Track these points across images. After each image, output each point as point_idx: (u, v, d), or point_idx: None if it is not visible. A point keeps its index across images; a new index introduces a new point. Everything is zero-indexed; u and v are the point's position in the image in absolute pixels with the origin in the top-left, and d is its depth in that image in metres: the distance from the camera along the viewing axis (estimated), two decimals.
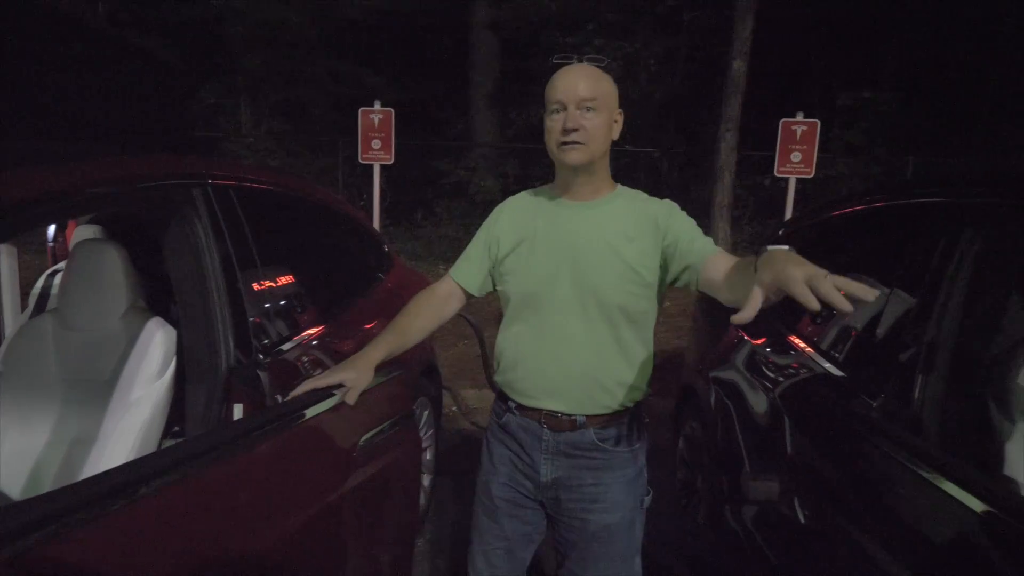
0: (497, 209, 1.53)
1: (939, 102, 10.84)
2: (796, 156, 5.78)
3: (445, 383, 4.25)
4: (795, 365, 1.94)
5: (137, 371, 1.57)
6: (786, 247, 1.06)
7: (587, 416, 1.39)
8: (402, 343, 1.45)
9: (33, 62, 1.62)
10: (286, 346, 1.75)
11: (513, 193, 1.59)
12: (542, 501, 1.47)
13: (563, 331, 1.37)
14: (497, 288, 1.49)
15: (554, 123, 1.34)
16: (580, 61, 1.38)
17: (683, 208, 1.44)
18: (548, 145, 1.37)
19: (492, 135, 10.75)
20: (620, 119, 1.39)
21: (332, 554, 1.35)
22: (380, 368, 1.42)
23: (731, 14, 6.79)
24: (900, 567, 1.19)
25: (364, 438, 1.43)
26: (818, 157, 5.98)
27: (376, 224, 6.21)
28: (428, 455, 2.86)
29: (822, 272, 0.92)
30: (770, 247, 1.06)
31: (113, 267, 1.67)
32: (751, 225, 9.18)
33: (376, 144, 5.88)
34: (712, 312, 2.87)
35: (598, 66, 1.38)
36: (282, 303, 1.85)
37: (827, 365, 1.74)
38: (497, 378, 1.50)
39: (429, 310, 1.51)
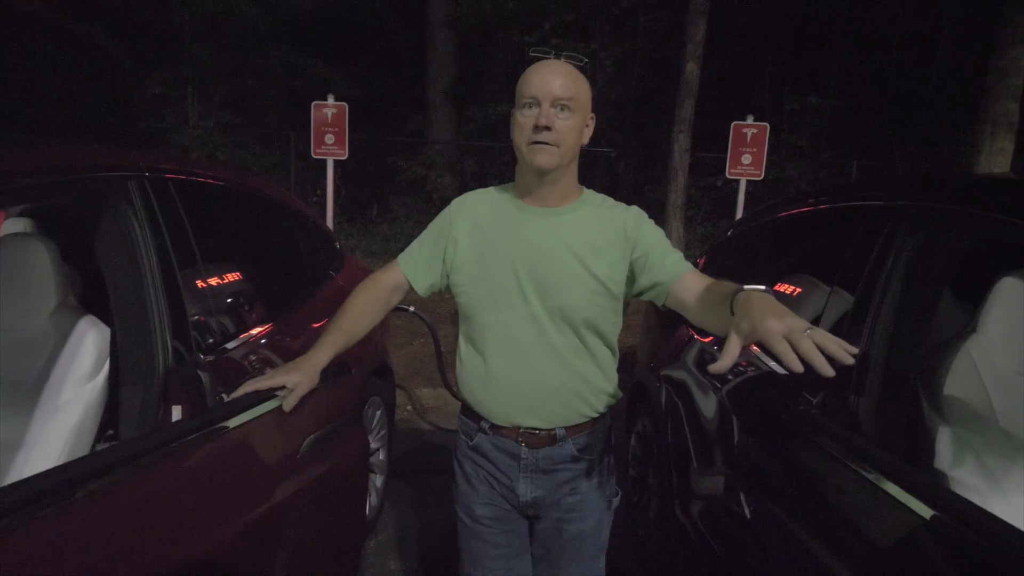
0: (455, 205, 1.43)
1: (881, 107, 11.33)
2: (747, 158, 5.93)
3: (399, 383, 4.21)
4: (743, 364, 1.99)
5: (67, 372, 1.49)
6: (763, 287, 1.07)
7: (566, 428, 1.35)
8: (348, 342, 1.40)
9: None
10: (230, 345, 1.70)
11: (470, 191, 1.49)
12: (525, 515, 1.44)
13: (533, 346, 1.30)
14: (456, 298, 1.40)
15: (526, 119, 1.25)
16: (558, 57, 1.29)
17: (638, 206, 1.39)
18: (516, 142, 1.28)
19: (449, 132, 10.68)
20: (592, 124, 1.33)
21: (274, 556, 1.32)
22: (327, 367, 1.38)
23: (684, 18, 6.92)
24: (838, 560, 1.22)
25: (307, 440, 1.40)
26: (768, 160, 6.15)
27: (330, 221, 6.09)
28: (381, 455, 2.82)
29: (801, 326, 0.90)
30: (747, 287, 1.06)
31: (40, 263, 1.58)
32: (703, 225, 9.40)
33: (330, 139, 5.76)
34: (664, 311, 2.92)
35: (575, 65, 1.29)
36: (226, 301, 1.79)
37: (772, 364, 1.79)
38: (465, 397, 1.42)
39: (373, 305, 1.43)
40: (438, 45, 10.59)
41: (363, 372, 2.54)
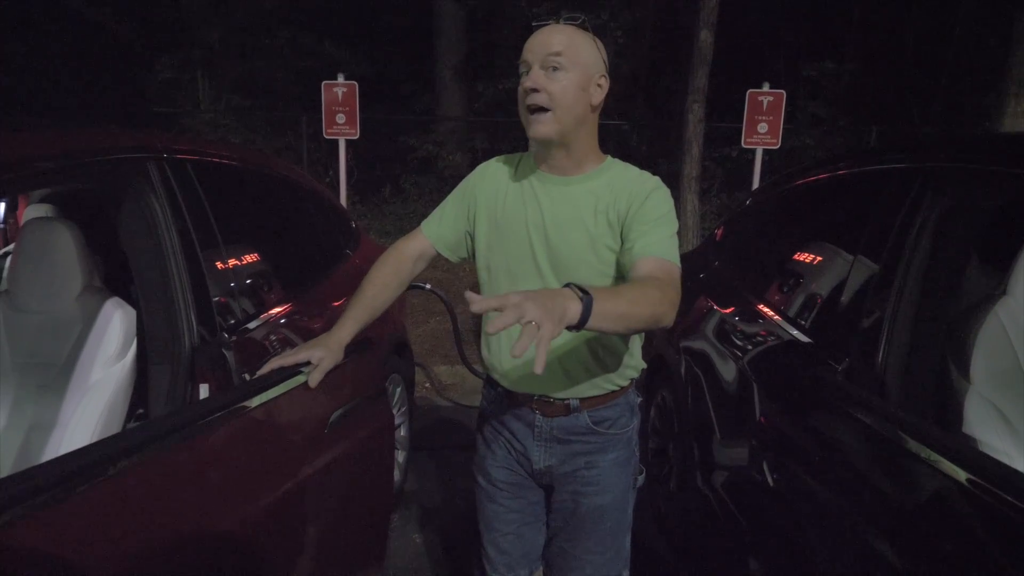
0: (480, 170, 1.41)
1: (900, 72, 11.03)
2: (763, 127, 5.82)
3: (418, 360, 4.24)
4: (763, 333, 1.97)
5: (95, 353, 1.52)
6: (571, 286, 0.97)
7: (580, 399, 1.33)
8: (371, 316, 1.40)
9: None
10: (252, 324, 1.71)
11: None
12: (540, 485, 1.44)
13: None
14: (476, 265, 1.39)
15: (521, 87, 1.22)
16: (557, 22, 1.25)
17: None
18: (520, 113, 1.25)
19: (460, 109, 10.58)
20: (605, 83, 1.25)
21: (304, 531, 1.34)
22: (349, 346, 1.39)
23: None
24: (865, 524, 1.22)
25: (334, 415, 1.41)
26: (784, 128, 6.03)
27: (343, 201, 6.10)
28: (402, 431, 2.85)
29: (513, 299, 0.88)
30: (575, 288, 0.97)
31: (65, 246, 1.60)
32: (719, 197, 9.27)
33: (341, 118, 5.74)
34: (687, 287, 2.90)
35: (572, 23, 1.24)
36: (247, 281, 1.80)
37: (794, 332, 1.77)
38: (484, 362, 1.42)
39: (396, 277, 1.41)
40: (446, 21, 10.44)
41: (382, 350, 2.56)
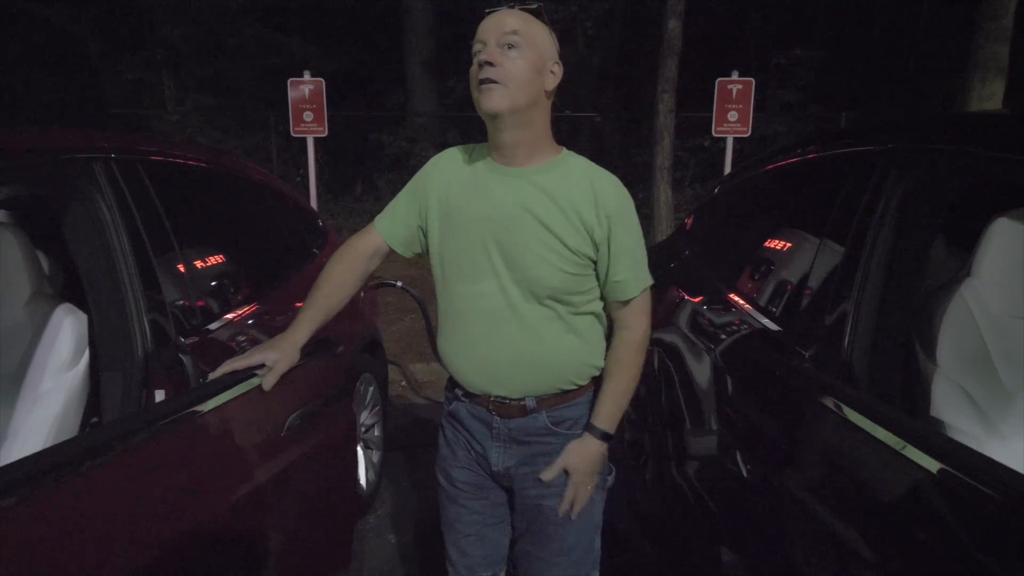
0: (431, 163, 1.37)
1: (868, 58, 11.19)
2: (733, 115, 5.85)
3: (392, 358, 4.19)
4: (735, 322, 1.97)
5: (46, 361, 1.45)
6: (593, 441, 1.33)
7: (537, 399, 1.30)
8: (327, 316, 1.36)
9: None
10: (212, 327, 1.67)
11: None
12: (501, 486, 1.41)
13: (499, 312, 1.24)
14: (430, 261, 1.35)
15: (473, 66, 1.18)
16: (512, 7, 1.21)
17: (625, 171, 1.34)
18: (472, 94, 1.21)
19: (431, 104, 10.50)
20: (558, 71, 1.23)
21: (262, 536, 1.30)
22: (307, 346, 1.34)
23: None
24: (835, 514, 1.22)
25: (292, 417, 1.37)
26: (755, 116, 6.06)
27: (313, 200, 6.01)
28: (376, 431, 2.81)
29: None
30: (594, 424, 1.32)
31: (10, 253, 1.53)
32: (692, 187, 9.34)
33: (308, 116, 5.65)
34: (658, 277, 2.89)
35: (527, 9, 1.21)
36: (205, 283, 1.75)
37: (763, 320, 1.77)
38: (444, 364, 1.39)
39: (351, 275, 1.37)
40: (415, 15, 10.35)
41: (353, 349, 2.52)
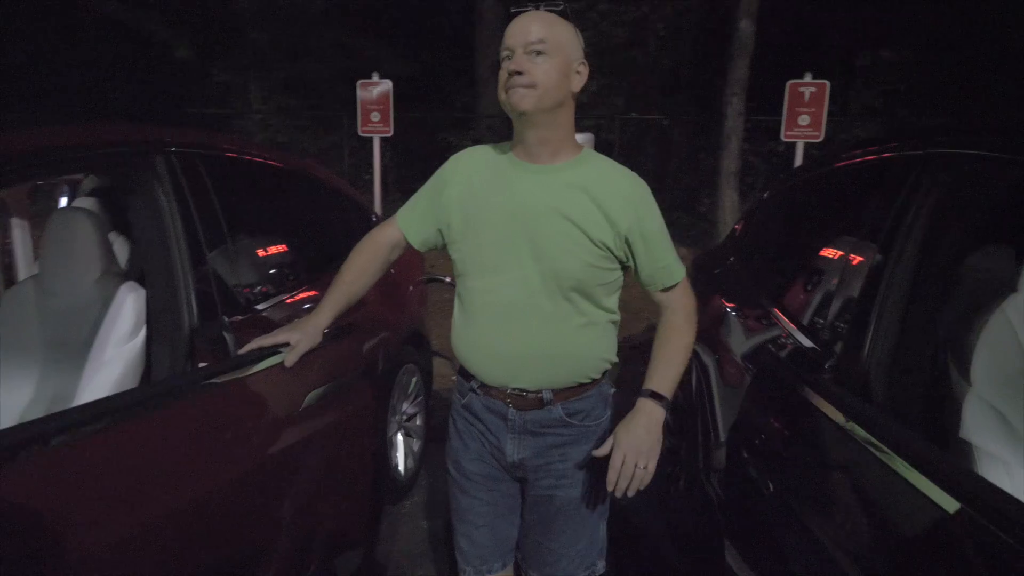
0: (452, 160, 1.41)
1: (963, 60, 10.46)
2: (804, 119, 5.65)
3: (444, 352, 4.29)
4: (768, 333, 1.93)
5: (110, 333, 1.61)
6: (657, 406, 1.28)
7: (554, 391, 1.32)
8: (349, 301, 1.44)
9: (52, 50, 1.63)
10: (257, 308, 1.80)
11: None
12: (513, 478, 1.43)
13: (521, 305, 1.28)
14: (450, 255, 1.38)
15: (502, 72, 1.24)
16: (536, 8, 1.26)
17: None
18: (499, 96, 1.26)
19: (498, 106, 10.61)
20: (584, 71, 1.27)
21: (273, 504, 1.41)
22: (331, 330, 1.43)
23: None
24: (848, 541, 1.18)
25: (311, 395, 1.47)
26: (835, 121, 5.83)
27: (377, 196, 6.23)
28: (418, 421, 2.91)
29: (631, 463, 1.22)
30: (648, 389, 1.29)
31: (85, 234, 1.71)
32: (762, 193, 9.03)
33: (375, 116, 5.87)
34: (700, 284, 2.85)
35: (553, 11, 1.27)
36: (253, 269, 1.88)
37: (795, 330, 1.72)
38: (457, 355, 1.41)
39: (371, 264, 1.45)
40: (486, 17, 10.51)
41: (396, 339, 2.62)
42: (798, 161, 5.99)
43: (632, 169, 1.36)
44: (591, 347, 1.33)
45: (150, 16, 10.28)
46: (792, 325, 1.76)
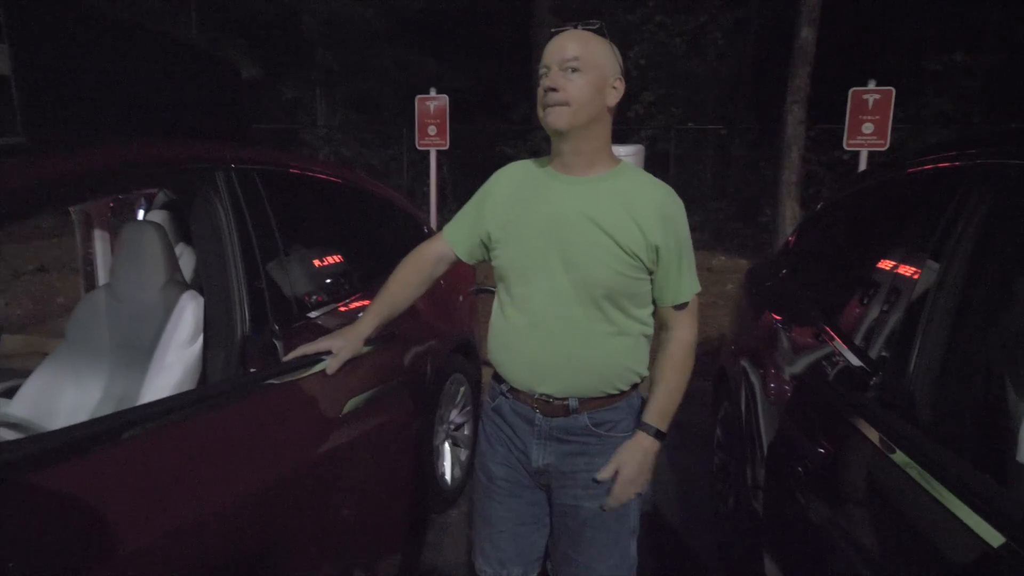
0: (496, 175, 1.47)
1: None
2: (868, 127, 5.43)
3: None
4: (818, 353, 1.86)
5: (172, 338, 1.72)
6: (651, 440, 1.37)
7: (580, 400, 1.34)
8: (392, 312, 1.50)
9: (135, 73, 1.76)
10: (309, 316, 1.88)
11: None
12: (538, 486, 1.45)
13: (551, 312, 1.31)
14: (491, 262, 1.44)
15: (540, 88, 1.28)
16: (575, 27, 1.31)
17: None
18: (538, 113, 1.31)
19: None
20: (620, 86, 1.30)
21: (317, 506, 1.46)
22: (374, 340, 1.48)
23: None
24: (880, 565, 1.13)
25: (352, 401, 1.52)
26: (906, 128, 5.58)
27: (433, 207, 6.36)
28: (466, 430, 2.94)
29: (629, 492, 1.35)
30: (646, 422, 1.36)
31: (152, 245, 1.84)
32: (818, 204, 8.70)
33: (432, 130, 6.01)
34: (752, 298, 2.79)
35: (590, 29, 1.30)
36: (307, 278, 1.97)
37: (847, 353, 1.65)
38: (489, 359, 1.46)
39: (416, 277, 1.51)
40: (543, 31, 10.61)
41: (444, 349, 2.67)
42: (862, 170, 5.76)
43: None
44: (618, 357, 1.34)
45: (226, 39, 10.93)
46: (840, 341, 1.69)
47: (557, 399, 1.35)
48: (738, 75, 10.01)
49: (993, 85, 9.19)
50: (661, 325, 1.40)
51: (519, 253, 1.35)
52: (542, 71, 1.29)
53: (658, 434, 1.35)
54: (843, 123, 5.52)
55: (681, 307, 1.36)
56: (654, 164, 8.40)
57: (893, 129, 5.55)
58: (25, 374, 1.93)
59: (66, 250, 7.66)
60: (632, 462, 1.33)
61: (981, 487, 0.97)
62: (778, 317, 2.21)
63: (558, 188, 1.33)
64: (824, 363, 1.73)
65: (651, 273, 1.33)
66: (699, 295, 1.41)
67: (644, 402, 1.43)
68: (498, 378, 1.46)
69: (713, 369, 3.05)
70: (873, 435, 1.23)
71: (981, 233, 1.26)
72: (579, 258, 1.29)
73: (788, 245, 2.79)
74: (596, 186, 1.31)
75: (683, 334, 1.38)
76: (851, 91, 5.46)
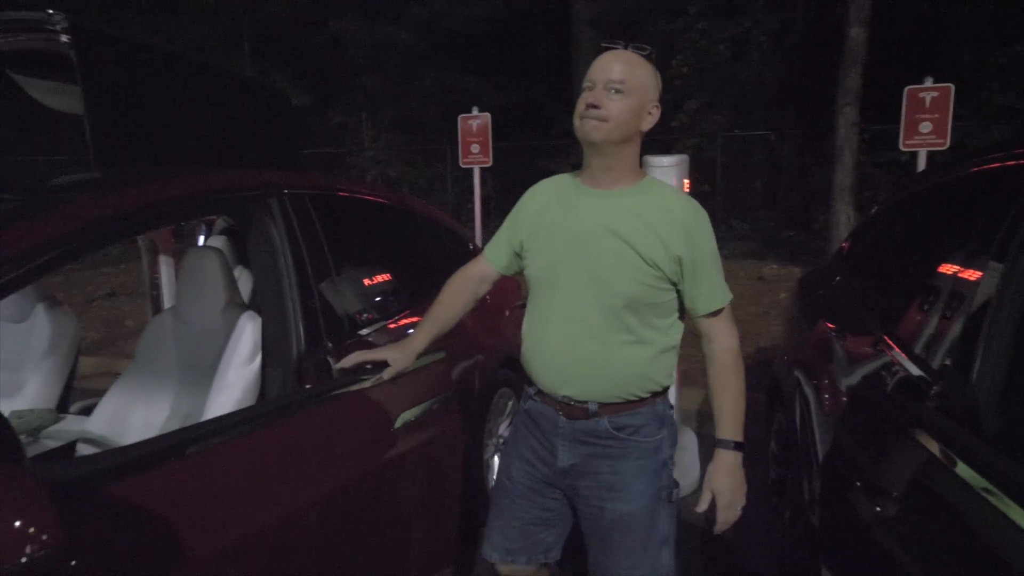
0: (529, 191, 1.55)
1: None
2: (925, 126, 5.22)
3: None
4: (876, 362, 1.79)
5: (232, 358, 1.80)
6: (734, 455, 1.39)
7: (600, 404, 1.39)
8: (440, 330, 1.58)
9: (196, 108, 1.88)
10: (362, 332, 1.93)
11: None
12: (562, 488, 1.49)
13: (572, 318, 1.37)
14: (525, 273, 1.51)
15: (581, 99, 1.34)
16: (626, 47, 1.37)
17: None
18: (574, 122, 1.37)
19: None
20: (656, 113, 1.37)
21: (368, 518, 1.50)
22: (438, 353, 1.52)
23: None
24: None
25: (403, 416, 1.56)
26: (969, 125, 5.34)
27: (478, 224, 6.43)
28: None
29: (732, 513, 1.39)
30: (721, 442, 1.39)
31: (213, 269, 1.93)
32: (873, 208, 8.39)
33: (475, 148, 6.10)
34: (805, 306, 2.72)
35: (641, 54, 1.36)
36: (357, 297, 2.03)
37: (905, 362, 1.60)
38: (522, 361, 1.52)
39: (460, 296, 1.59)
40: (582, 44, 10.67)
41: (491, 364, 2.70)
42: (921, 170, 5.54)
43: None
44: (636, 366, 1.38)
45: (276, 69, 11.40)
46: (899, 350, 1.64)
47: (578, 402, 1.40)
48: (785, 79, 9.79)
49: None
50: (703, 337, 1.44)
51: (546, 262, 1.42)
52: (587, 84, 1.34)
53: (737, 446, 1.37)
54: (899, 123, 5.33)
55: (715, 314, 1.39)
56: (700, 173, 8.28)
57: (954, 127, 5.33)
58: (100, 393, 2.05)
59: (133, 276, 8.09)
60: (724, 485, 1.36)
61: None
62: (832, 326, 2.15)
63: (585, 201, 1.39)
64: (882, 372, 1.67)
65: (674, 284, 1.37)
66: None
67: (670, 408, 1.47)
68: (528, 381, 1.52)
69: (766, 381, 2.97)
70: (933, 446, 1.18)
71: None
72: (601, 267, 1.34)
73: (842, 251, 2.71)
74: (621, 200, 1.37)
75: (726, 342, 1.40)
76: (906, 90, 5.27)
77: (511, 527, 1.54)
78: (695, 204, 1.39)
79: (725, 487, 1.36)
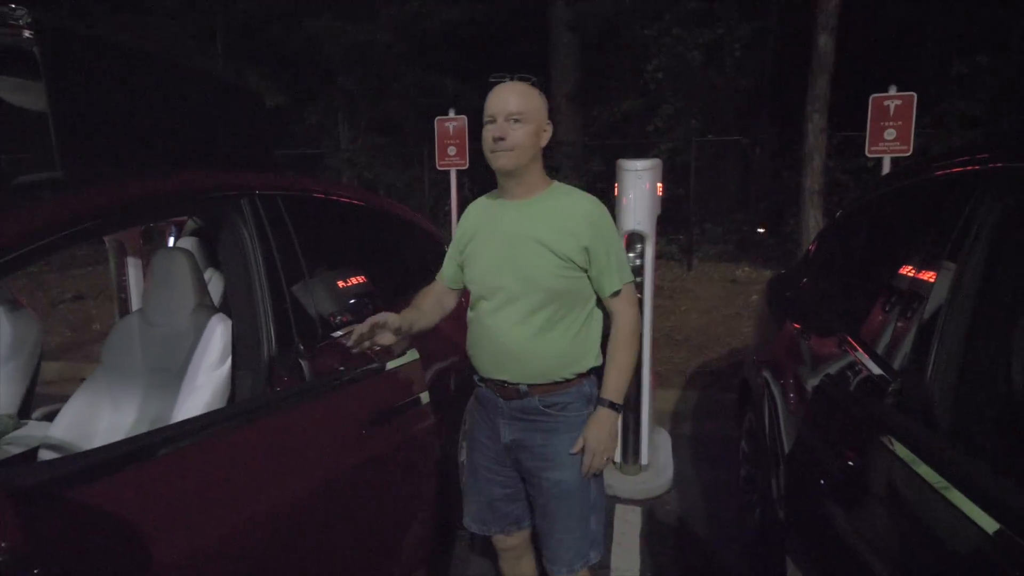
0: (465, 212, 1.78)
1: None
2: (890, 133, 5.36)
3: None
4: (839, 362, 1.84)
5: (201, 360, 1.78)
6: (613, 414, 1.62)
7: (529, 385, 1.61)
8: (419, 326, 1.71)
9: (165, 107, 1.85)
10: (335, 335, 1.92)
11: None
12: (511, 464, 1.70)
13: (503, 313, 1.60)
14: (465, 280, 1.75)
15: (487, 133, 1.57)
16: (512, 79, 1.60)
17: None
18: (485, 154, 1.60)
19: (574, 133, 10.76)
20: (549, 129, 1.62)
21: (338, 520, 1.50)
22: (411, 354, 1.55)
23: None
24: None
25: (377, 415, 1.56)
26: (931, 133, 5.49)
27: (455, 227, 6.42)
28: None
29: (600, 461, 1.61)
30: (604, 397, 1.62)
31: (183, 271, 1.91)
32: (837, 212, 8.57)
33: (452, 151, 6.10)
34: (773, 308, 2.77)
35: (528, 83, 1.60)
36: (331, 298, 2.02)
37: (867, 361, 1.64)
38: (468, 353, 1.73)
39: (430, 308, 1.77)
40: (560, 49, 10.72)
41: (468, 365, 2.69)
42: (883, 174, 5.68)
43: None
44: (558, 351, 1.60)
45: (251, 69, 11.25)
46: (861, 350, 1.68)
47: (511, 384, 1.63)
48: (758, 85, 9.97)
49: (1022, 85, 8.99)
50: (609, 316, 1.67)
51: (481, 268, 1.65)
52: (488, 119, 1.57)
53: (612, 405, 1.62)
54: (863, 130, 5.47)
55: (616, 295, 1.63)
56: (675, 177, 8.38)
57: (917, 134, 5.48)
58: (64, 399, 2.00)
59: (102, 278, 7.91)
60: (594, 434, 1.60)
61: (998, 490, 0.96)
62: (798, 327, 2.20)
63: (507, 213, 1.64)
64: (845, 372, 1.72)
65: (586, 271, 1.60)
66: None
67: (597, 386, 1.68)
68: (474, 370, 1.74)
69: (737, 381, 3.03)
70: (891, 443, 1.22)
71: (996, 235, 1.25)
72: (523, 266, 1.58)
73: (808, 254, 2.77)
74: (536, 206, 1.62)
75: (623, 319, 1.64)
76: (871, 98, 5.41)
77: (481, 504, 1.76)
78: (597, 201, 1.64)
79: (594, 437, 1.60)
